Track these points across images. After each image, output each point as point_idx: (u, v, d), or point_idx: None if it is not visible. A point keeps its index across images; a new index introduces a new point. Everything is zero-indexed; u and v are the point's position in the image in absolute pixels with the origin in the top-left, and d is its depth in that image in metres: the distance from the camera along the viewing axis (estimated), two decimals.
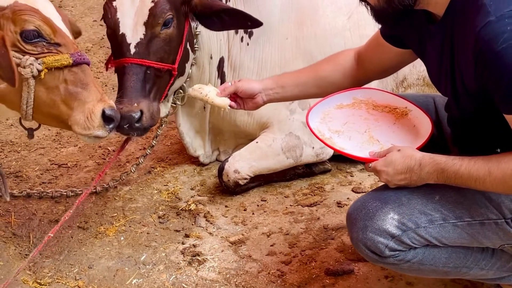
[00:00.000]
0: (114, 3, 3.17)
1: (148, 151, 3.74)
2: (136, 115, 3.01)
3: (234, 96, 2.82)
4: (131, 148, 4.16)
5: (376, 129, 2.58)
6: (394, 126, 2.58)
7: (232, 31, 3.60)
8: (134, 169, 3.70)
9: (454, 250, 2.39)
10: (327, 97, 2.69)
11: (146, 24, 3.12)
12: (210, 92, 2.78)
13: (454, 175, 2.21)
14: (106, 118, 2.69)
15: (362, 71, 2.78)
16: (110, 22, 3.17)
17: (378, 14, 2.34)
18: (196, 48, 3.49)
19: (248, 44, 3.65)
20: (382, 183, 2.44)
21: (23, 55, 2.52)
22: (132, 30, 3.12)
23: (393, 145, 2.42)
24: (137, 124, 3.02)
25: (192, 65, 3.51)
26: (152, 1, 3.12)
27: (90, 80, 2.69)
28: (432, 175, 2.27)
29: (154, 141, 3.74)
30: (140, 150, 4.13)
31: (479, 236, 2.34)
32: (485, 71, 2.07)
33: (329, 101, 2.69)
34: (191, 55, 3.47)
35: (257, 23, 3.29)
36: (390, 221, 2.30)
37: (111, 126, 2.72)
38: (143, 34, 3.12)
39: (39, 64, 2.53)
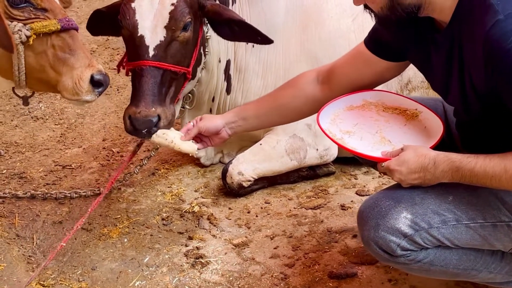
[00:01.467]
0: (133, 5, 3.15)
1: (153, 152, 3.74)
2: (154, 119, 3.00)
3: (199, 135, 2.84)
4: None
5: (387, 130, 2.58)
6: (405, 128, 2.58)
7: None
8: (137, 170, 3.69)
9: (465, 252, 2.38)
10: (337, 99, 2.69)
11: (167, 27, 3.11)
12: (175, 138, 2.79)
13: (469, 173, 2.20)
14: (95, 83, 2.70)
15: (328, 92, 2.75)
16: (128, 23, 3.14)
17: (382, 21, 2.34)
18: (206, 52, 3.49)
19: (253, 46, 3.65)
20: (394, 182, 2.43)
21: (11, 22, 2.53)
22: (152, 33, 3.11)
23: (404, 145, 2.40)
24: (154, 129, 3.02)
25: (202, 69, 3.52)
26: (172, 4, 3.12)
27: (78, 46, 2.69)
28: (447, 173, 2.25)
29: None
30: (145, 151, 4.12)
31: (491, 238, 2.33)
32: (495, 70, 2.08)
33: (339, 103, 2.69)
34: (203, 59, 3.47)
35: (268, 40, 3.30)
36: (403, 220, 2.29)
37: (100, 90, 2.74)
38: (164, 37, 3.12)
39: (27, 30, 2.54)
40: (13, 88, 2.81)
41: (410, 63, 2.65)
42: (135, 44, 3.13)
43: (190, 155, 2.85)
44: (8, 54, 2.56)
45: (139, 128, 3.00)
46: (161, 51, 3.11)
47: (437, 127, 2.49)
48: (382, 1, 2.26)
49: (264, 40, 3.31)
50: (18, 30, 2.53)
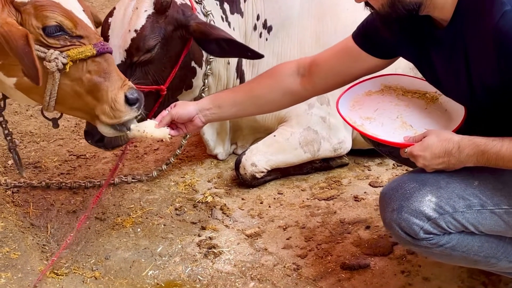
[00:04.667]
0: (110, 19, 3.21)
1: (172, 159, 3.75)
2: (97, 135, 2.98)
3: (174, 122, 2.82)
4: (148, 140, 4.17)
5: (408, 115, 2.56)
6: (426, 111, 2.56)
7: (250, 27, 3.59)
8: (156, 173, 3.71)
9: (487, 239, 2.35)
10: (355, 85, 2.69)
11: (127, 51, 3.13)
12: (147, 127, 2.78)
13: (495, 156, 2.18)
14: (130, 101, 2.69)
15: (308, 85, 2.74)
16: (102, 36, 3.15)
17: (383, 19, 2.34)
18: (210, 60, 3.45)
19: (267, 40, 3.64)
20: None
21: (48, 49, 2.53)
22: (115, 52, 3.10)
23: (427, 129, 2.38)
24: (99, 143, 3.00)
25: (207, 75, 3.49)
26: (135, 31, 3.12)
27: (113, 69, 2.70)
28: (472, 157, 2.23)
29: (178, 151, 3.76)
30: (158, 141, 4.14)
31: None
32: (509, 62, 2.06)
33: (358, 89, 2.68)
34: (200, 70, 3.45)
35: (258, 55, 3.28)
36: (428, 203, 2.26)
37: (136, 105, 2.71)
38: (124, 58, 3.13)
39: (63, 57, 2.54)
40: (41, 110, 2.82)
41: (397, 59, 2.66)
42: None
43: (164, 140, 2.84)
44: (42, 79, 2.56)
45: (85, 137, 3.05)
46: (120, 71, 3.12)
47: (459, 109, 2.46)
48: None
49: (254, 55, 3.30)
50: (55, 58, 2.52)
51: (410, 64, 2.69)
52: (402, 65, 3.02)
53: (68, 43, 2.57)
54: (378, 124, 2.53)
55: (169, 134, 2.80)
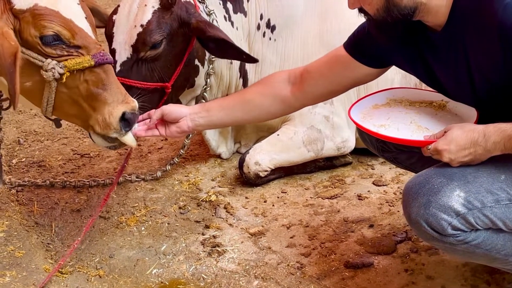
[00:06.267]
0: (114, 17, 3.22)
1: (176, 159, 3.76)
2: None
3: (161, 120, 2.81)
4: (152, 139, 4.18)
5: (421, 120, 2.54)
6: (437, 117, 2.55)
7: (253, 27, 3.60)
8: (160, 174, 3.72)
9: (510, 238, 2.30)
10: (361, 99, 2.70)
11: (133, 46, 3.13)
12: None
13: None
14: (125, 121, 2.68)
15: (298, 93, 2.75)
16: (107, 34, 3.21)
17: (378, 25, 2.33)
18: (213, 59, 3.47)
19: (270, 39, 3.65)
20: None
21: (46, 58, 2.54)
22: (121, 49, 3.13)
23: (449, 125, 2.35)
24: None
25: (209, 75, 3.51)
26: (142, 25, 3.13)
27: (112, 81, 2.68)
28: (499, 144, 2.18)
29: (182, 151, 3.77)
30: (162, 140, 4.15)
31: None
32: None
33: (364, 103, 2.68)
34: (202, 69, 3.47)
35: (253, 59, 3.32)
36: (456, 198, 2.20)
37: (127, 129, 2.71)
38: (130, 54, 3.14)
39: (60, 67, 2.53)
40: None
41: (389, 68, 2.68)
42: None
43: (132, 146, 2.81)
44: (40, 86, 2.57)
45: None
46: (126, 68, 3.12)
47: (469, 111, 2.45)
48: (378, 3, 2.26)
49: (249, 59, 3.33)
50: (52, 68, 2.52)
51: None
52: None
53: (65, 53, 2.56)
54: (394, 129, 2.51)
55: (137, 135, 2.78)
